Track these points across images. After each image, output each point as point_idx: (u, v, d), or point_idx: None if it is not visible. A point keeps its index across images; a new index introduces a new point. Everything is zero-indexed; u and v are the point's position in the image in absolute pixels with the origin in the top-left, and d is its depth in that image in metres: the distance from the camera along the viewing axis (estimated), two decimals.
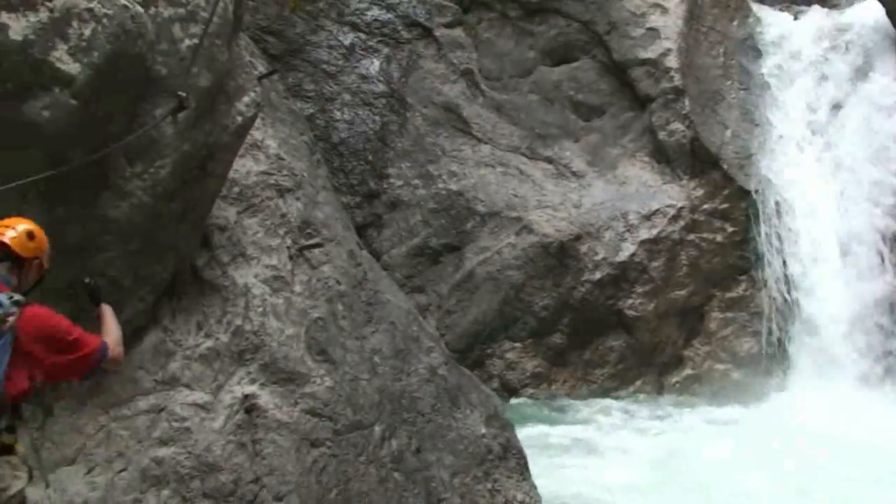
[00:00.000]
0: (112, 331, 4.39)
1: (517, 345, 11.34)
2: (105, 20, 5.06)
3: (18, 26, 4.80)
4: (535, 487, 7.86)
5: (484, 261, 11.17)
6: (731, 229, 12.06)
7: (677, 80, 12.25)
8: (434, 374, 7.37)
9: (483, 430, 7.51)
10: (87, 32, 5.01)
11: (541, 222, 11.44)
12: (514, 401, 11.07)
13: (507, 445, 7.78)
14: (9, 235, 4.08)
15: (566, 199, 11.78)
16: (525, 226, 11.34)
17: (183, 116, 5.58)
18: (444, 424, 7.21)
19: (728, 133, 12.32)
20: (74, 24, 4.98)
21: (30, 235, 4.15)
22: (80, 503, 5.37)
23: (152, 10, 5.51)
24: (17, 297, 3.90)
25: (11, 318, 3.79)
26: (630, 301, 11.72)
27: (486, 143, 11.79)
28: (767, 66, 12.93)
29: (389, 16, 12.02)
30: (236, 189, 6.91)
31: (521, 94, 12.34)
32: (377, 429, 6.65)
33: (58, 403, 5.68)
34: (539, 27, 12.56)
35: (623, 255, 11.65)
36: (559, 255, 11.42)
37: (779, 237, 11.97)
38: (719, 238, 12.03)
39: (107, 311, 4.52)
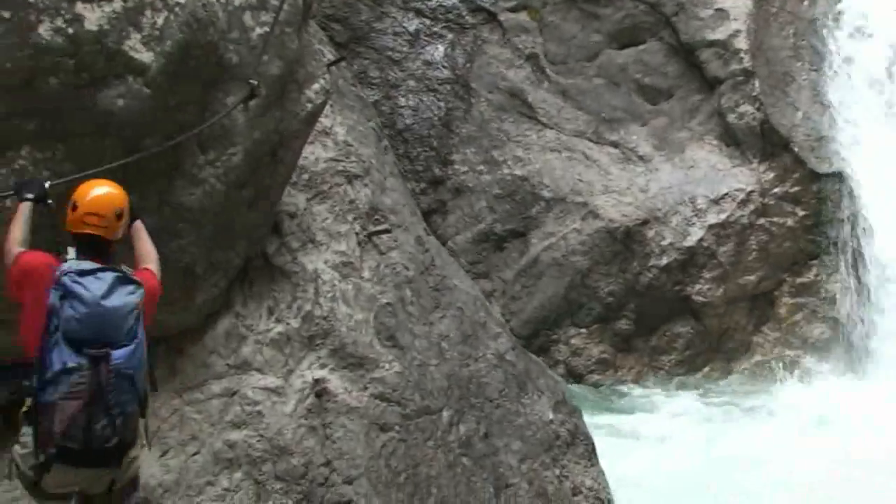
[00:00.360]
0: (153, 254, 4.58)
1: (583, 331, 11.28)
2: (177, 9, 5.13)
3: (93, 16, 4.88)
4: (603, 473, 7.84)
5: (549, 246, 11.12)
6: (801, 213, 11.84)
7: (747, 62, 12.04)
8: (502, 360, 7.37)
9: (551, 416, 7.50)
10: (160, 21, 5.07)
11: (607, 207, 11.35)
12: (579, 387, 11.02)
13: (574, 431, 7.76)
14: (99, 227, 4.18)
15: (633, 183, 11.67)
16: (591, 211, 11.26)
17: (254, 104, 5.64)
18: (512, 410, 7.21)
19: (799, 115, 12.08)
20: (147, 13, 5.05)
21: (119, 216, 4.28)
22: (155, 485, 5.44)
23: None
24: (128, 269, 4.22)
25: (143, 294, 4.12)
26: (698, 286, 11.58)
27: (551, 127, 11.72)
28: (839, 46, 12.63)
29: (454, 1, 11.97)
30: (305, 176, 6.97)
31: (586, 77, 12.23)
32: (445, 414, 6.68)
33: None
34: (605, 10, 12.42)
35: (691, 240, 11.51)
36: (625, 241, 11.33)
37: (853, 220, 11.71)
38: (790, 222, 11.82)
39: (143, 228, 4.63)
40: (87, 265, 4.04)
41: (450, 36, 11.84)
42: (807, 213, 11.83)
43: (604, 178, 11.63)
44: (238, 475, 5.64)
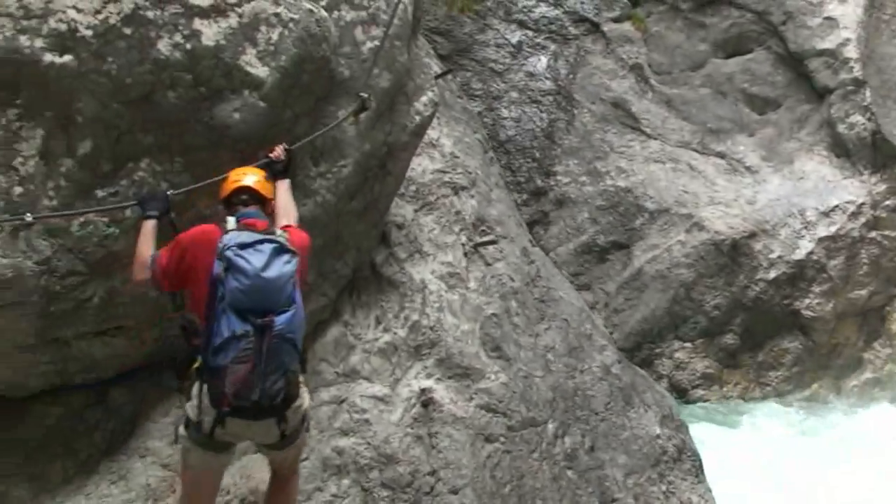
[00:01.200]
0: (293, 212, 5.04)
1: (687, 345, 11.09)
2: (291, 24, 5.24)
3: (211, 32, 5.02)
4: (710, 490, 7.71)
5: (653, 259, 10.97)
6: None
7: (857, 71, 11.73)
8: (607, 373, 7.31)
9: (658, 431, 7.40)
10: (275, 37, 5.19)
11: (712, 219, 11.15)
12: (683, 402, 10.84)
13: (681, 447, 7.65)
14: (252, 180, 4.69)
15: (739, 195, 11.45)
16: (696, 223, 11.08)
17: (364, 117, 5.72)
18: (618, 423, 7.14)
19: None
20: (262, 28, 5.17)
21: (266, 178, 4.80)
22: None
23: (335, 14, 5.67)
24: (283, 233, 4.57)
25: (297, 259, 4.47)
26: (807, 301, 11.29)
27: (655, 138, 11.58)
28: None
29: (557, 12, 11.95)
30: (413, 187, 7.04)
31: (691, 87, 12.07)
32: (550, 426, 6.64)
33: None
34: (711, 19, 12.25)
35: (800, 254, 11.23)
36: (732, 253, 11.11)
37: None
38: None
39: (287, 186, 5.08)
40: (247, 237, 4.41)
41: (552, 47, 11.81)
42: None
43: (709, 189, 11.44)
44: (346, 482, 5.70)
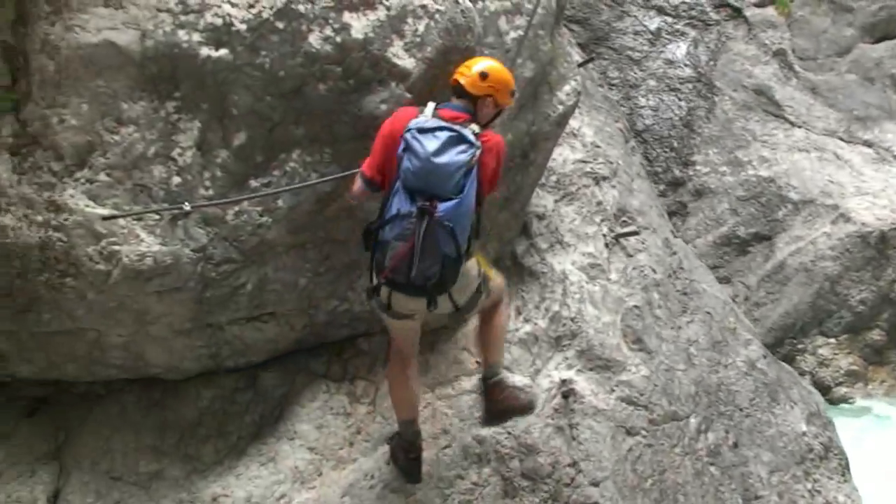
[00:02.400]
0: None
1: (831, 340, 10.73)
2: (437, 16, 5.27)
3: (359, 25, 5.10)
4: (857, 490, 7.44)
5: (796, 251, 10.63)
6: None
7: None
8: (752, 368, 7.12)
9: (804, 428, 7.18)
10: (421, 28, 5.23)
11: (859, 210, 10.73)
12: (827, 399, 10.50)
13: (828, 445, 7.40)
14: (464, 76, 4.86)
15: (888, 185, 10.99)
16: (842, 214, 10.68)
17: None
18: (763, 420, 6.95)
19: None
20: (409, 20, 5.22)
21: (482, 76, 4.85)
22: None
23: (480, 5, 5.68)
24: (476, 128, 4.71)
25: (478, 153, 4.64)
26: None
27: (799, 126, 11.23)
28: None
29: None
30: (554, 177, 7.00)
31: (838, 73, 11.65)
32: (693, 421, 6.51)
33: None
34: (859, 2, 11.80)
35: None
36: (879, 246, 10.67)
37: None
38: None
39: None
40: (430, 123, 4.64)
41: (692, 33, 11.57)
42: None
43: (856, 179, 11.02)
44: (486, 470, 5.70)
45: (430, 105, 4.80)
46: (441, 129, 4.59)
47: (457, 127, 4.64)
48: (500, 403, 5.74)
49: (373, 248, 4.72)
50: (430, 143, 4.55)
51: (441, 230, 4.55)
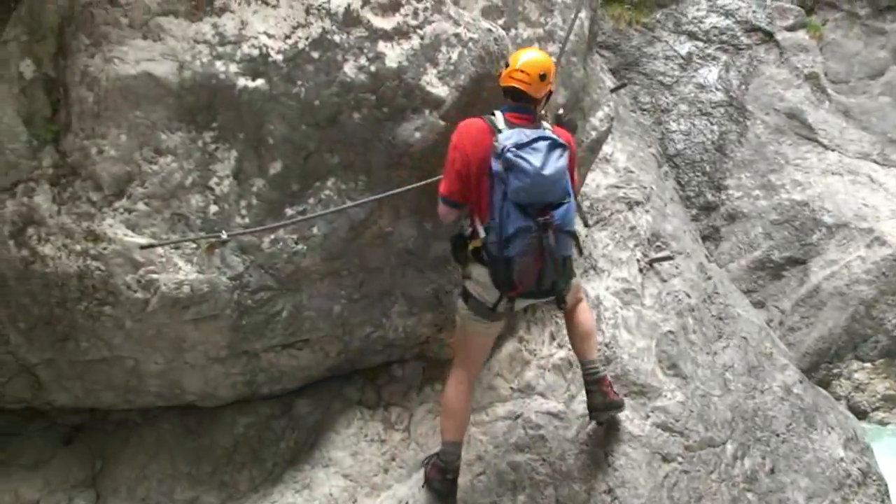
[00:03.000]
0: None
1: (867, 365, 10.59)
2: (470, 44, 5.31)
3: (393, 54, 5.14)
4: None
5: (831, 275, 10.53)
6: None
7: None
8: (789, 393, 7.05)
9: (841, 454, 7.09)
10: (454, 56, 5.27)
11: (894, 233, 10.63)
12: (864, 425, 10.37)
13: (867, 471, 7.30)
14: (523, 82, 4.99)
15: None
16: (877, 237, 10.57)
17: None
18: (800, 445, 6.87)
19: None
20: (443, 49, 5.26)
21: (542, 77, 5.02)
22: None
23: (513, 32, 5.72)
24: (549, 126, 5.01)
25: (567, 152, 4.89)
26: None
27: (832, 149, 11.15)
28: None
29: (728, 22, 11.68)
30: (587, 203, 7.00)
31: (871, 96, 11.56)
32: (729, 447, 6.45)
33: (420, 407, 6.00)
34: (891, 24, 11.72)
35: None
36: None
37: None
38: None
39: None
40: (522, 136, 4.77)
41: (724, 58, 11.55)
42: None
43: (891, 202, 10.91)
44: (521, 497, 5.67)
45: (498, 114, 4.95)
46: (536, 139, 4.77)
47: (546, 132, 4.88)
48: (606, 396, 5.71)
49: (476, 261, 4.95)
50: (535, 158, 4.72)
51: (561, 235, 4.82)
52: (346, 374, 5.92)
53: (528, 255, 4.73)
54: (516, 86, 4.96)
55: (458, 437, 5.32)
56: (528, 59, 5.02)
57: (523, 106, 5.00)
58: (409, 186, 5.24)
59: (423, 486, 5.47)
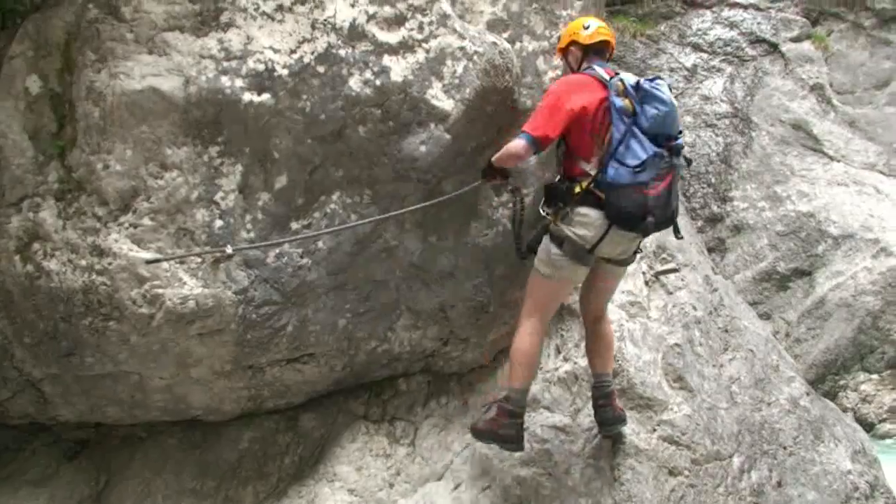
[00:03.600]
0: None
1: (874, 376, 10.55)
2: (476, 57, 5.31)
3: (399, 67, 5.15)
4: None
5: (837, 286, 10.50)
6: None
7: None
8: (796, 405, 7.01)
9: (849, 466, 7.04)
10: (460, 70, 5.27)
11: None
12: (870, 436, 10.32)
13: (874, 483, 7.25)
14: (611, 36, 5.56)
15: None
16: (883, 248, 10.54)
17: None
18: (807, 458, 6.83)
19: None
20: (448, 62, 5.26)
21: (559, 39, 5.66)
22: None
23: (518, 45, 5.73)
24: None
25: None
26: None
27: (838, 160, 11.12)
28: None
29: (733, 34, 11.68)
30: None
31: (876, 107, 11.53)
32: (736, 460, 6.42)
33: (426, 421, 5.99)
34: None
35: None
36: None
37: None
38: None
39: None
40: (643, 78, 5.22)
41: (729, 69, 11.54)
42: None
43: None
44: None
45: (599, 68, 5.31)
46: (655, 78, 5.22)
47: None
48: (615, 410, 5.80)
49: (584, 203, 5.15)
50: (666, 91, 5.16)
51: (681, 162, 5.22)
52: (351, 388, 5.91)
53: (661, 181, 5.06)
54: (607, 39, 5.48)
55: (527, 384, 5.54)
56: (599, 22, 5.56)
57: (605, 62, 5.47)
58: (424, 203, 5.28)
59: (487, 440, 5.59)
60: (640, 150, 5.02)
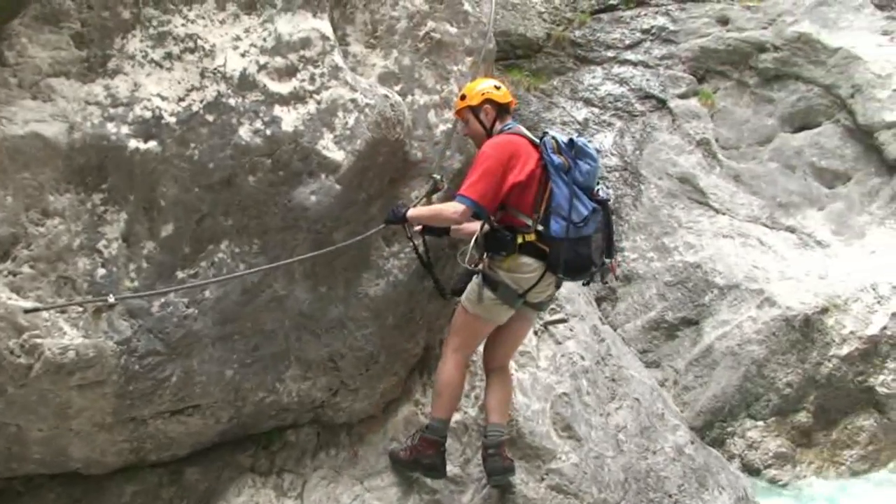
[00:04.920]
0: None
1: (759, 423, 10.80)
2: (367, 109, 5.36)
3: (290, 118, 5.17)
4: None
5: (723, 335, 10.76)
6: None
7: None
8: (681, 454, 7.18)
9: None
10: (351, 121, 5.31)
11: (784, 294, 10.92)
12: (756, 482, 10.56)
13: None
14: (510, 95, 5.84)
15: (811, 269, 11.23)
16: (767, 298, 10.86)
17: (437, 198, 5.79)
18: None
19: None
20: (340, 114, 5.30)
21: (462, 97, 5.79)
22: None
23: (409, 98, 5.80)
24: None
25: None
26: (881, 377, 10.92)
27: (723, 213, 11.47)
28: None
29: (623, 89, 12.02)
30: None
31: (760, 162, 11.95)
32: None
33: (314, 473, 5.93)
34: (778, 93, 12.18)
35: (873, 329, 10.90)
36: (804, 329, 10.86)
37: None
38: None
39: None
40: (566, 136, 5.60)
41: (619, 124, 11.85)
42: None
43: (780, 263, 11.25)
44: None
45: (522, 128, 5.70)
46: (579, 135, 5.64)
47: None
48: (504, 460, 5.88)
49: (523, 252, 5.44)
50: (592, 147, 5.61)
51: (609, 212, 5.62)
52: (239, 439, 5.82)
53: (599, 232, 5.51)
54: (512, 101, 5.80)
55: (450, 415, 5.84)
56: (479, 82, 5.83)
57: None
58: (314, 253, 5.27)
59: (409, 469, 5.89)
60: (582, 206, 5.37)
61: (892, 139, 11.74)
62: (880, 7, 12.69)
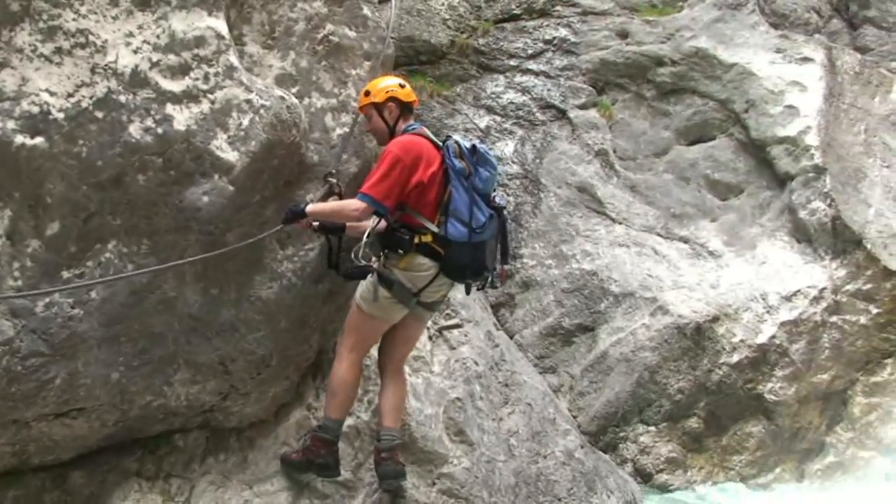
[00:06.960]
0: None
1: (651, 428, 11.02)
2: (262, 111, 5.32)
3: (182, 117, 5.09)
4: None
5: (617, 342, 10.96)
6: (875, 311, 11.53)
7: (818, 158, 11.93)
8: (570, 458, 7.30)
9: None
10: (246, 122, 5.27)
11: (676, 303, 11.18)
12: (647, 486, 10.77)
13: None
14: (413, 94, 5.99)
15: (703, 279, 11.51)
16: (660, 306, 11.11)
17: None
18: None
19: (871, 211, 11.88)
20: (234, 114, 5.25)
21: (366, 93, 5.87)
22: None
23: (306, 101, 5.78)
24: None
25: None
26: (770, 385, 11.28)
27: (620, 222, 11.68)
28: None
29: (524, 98, 12.15)
30: None
31: (656, 173, 12.21)
32: None
33: (203, 478, 5.85)
34: (675, 107, 12.47)
35: (762, 338, 11.25)
36: (695, 337, 11.13)
37: None
38: (863, 320, 11.51)
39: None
40: (470, 142, 5.75)
41: (520, 132, 11.98)
42: (880, 310, 11.51)
43: (673, 273, 11.52)
44: None
45: (426, 130, 5.82)
46: (482, 141, 5.82)
47: None
48: (397, 465, 5.93)
49: (419, 252, 5.56)
50: (492, 154, 5.79)
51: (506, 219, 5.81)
52: (125, 443, 5.70)
53: (493, 238, 5.68)
54: (415, 99, 5.91)
55: (344, 416, 5.90)
56: (382, 78, 5.95)
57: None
58: (205, 255, 5.19)
59: (302, 470, 5.88)
60: (479, 212, 5.55)
61: (784, 154, 12.09)
62: (774, 26, 13.11)
